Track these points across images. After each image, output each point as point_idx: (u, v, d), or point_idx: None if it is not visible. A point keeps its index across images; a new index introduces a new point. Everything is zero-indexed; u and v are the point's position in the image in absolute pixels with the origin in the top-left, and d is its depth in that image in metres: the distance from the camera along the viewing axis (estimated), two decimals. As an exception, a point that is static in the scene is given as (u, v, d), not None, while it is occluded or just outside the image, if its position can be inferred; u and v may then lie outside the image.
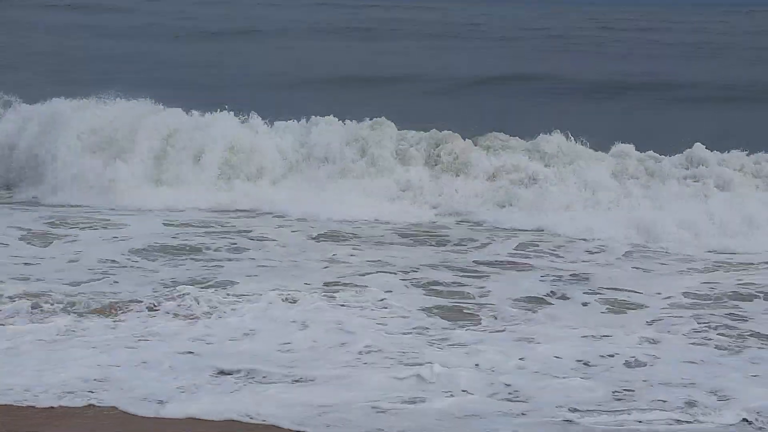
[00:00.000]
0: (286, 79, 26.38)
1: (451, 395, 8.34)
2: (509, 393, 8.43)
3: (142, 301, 10.74)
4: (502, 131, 17.45)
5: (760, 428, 7.85)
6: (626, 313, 10.81)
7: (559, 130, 16.71)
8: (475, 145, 17.08)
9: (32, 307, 10.52)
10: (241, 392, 8.34)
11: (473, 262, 12.88)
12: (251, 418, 7.89)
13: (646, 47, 33.42)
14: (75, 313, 10.43)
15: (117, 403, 8.10)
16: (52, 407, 8.08)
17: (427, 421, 7.90)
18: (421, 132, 17.36)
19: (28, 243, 13.57)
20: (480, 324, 10.35)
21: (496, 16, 43.28)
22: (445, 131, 17.20)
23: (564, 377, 8.76)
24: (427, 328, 10.13)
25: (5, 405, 8.11)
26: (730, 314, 10.73)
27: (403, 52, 32.86)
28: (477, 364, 9.00)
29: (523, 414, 8.04)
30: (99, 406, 8.07)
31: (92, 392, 8.31)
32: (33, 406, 8.10)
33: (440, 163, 16.77)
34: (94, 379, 8.58)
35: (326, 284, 11.57)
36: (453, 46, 35.21)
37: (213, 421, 7.84)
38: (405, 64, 29.79)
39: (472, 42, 35.41)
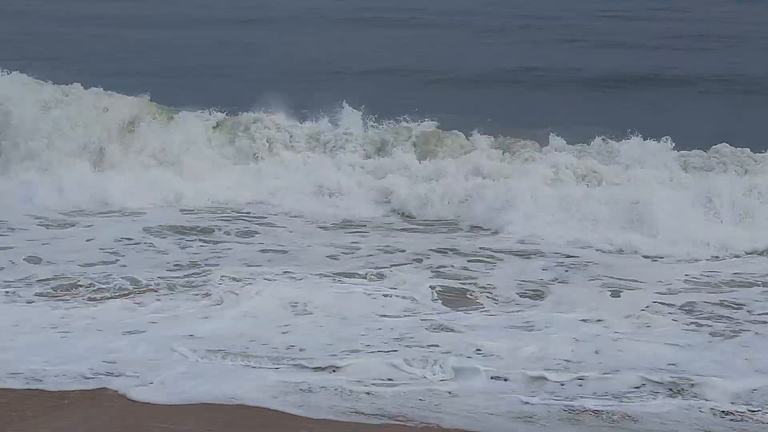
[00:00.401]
0: (305, 70, 26.04)
1: (439, 379, 8.56)
2: (497, 374, 8.61)
3: (150, 284, 10.98)
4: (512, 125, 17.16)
5: (751, 411, 8.01)
6: (624, 298, 10.95)
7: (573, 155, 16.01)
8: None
9: (45, 290, 10.77)
10: (241, 376, 8.49)
11: (480, 248, 12.98)
12: (246, 402, 8.04)
13: (655, 38, 33.07)
14: (85, 295, 10.64)
15: (126, 389, 8.25)
16: (61, 391, 8.20)
17: (402, 401, 8.11)
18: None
19: (46, 227, 13.81)
20: (481, 308, 10.54)
21: (504, 5, 42.99)
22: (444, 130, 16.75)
23: (553, 359, 8.96)
24: (428, 312, 10.33)
25: (15, 389, 8.22)
26: (725, 301, 10.84)
27: (414, 43, 32.73)
28: (472, 346, 9.19)
29: (503, 394, 8.25)
30: (109, 392, 8.19)
31: (101, 377, 8.45)
32: (42, 390, 8.23)
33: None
34: (104, 362, 8.73)
35: (332, 269, 11.73)
36: (459, 36, 34.93)
37: (221, 405, 7.97)
38: (416, 54, 29.68)
39: (487, 33, 35.10)
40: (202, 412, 7.87)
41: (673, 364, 8.85)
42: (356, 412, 7.93)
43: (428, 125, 16.90)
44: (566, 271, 11.98)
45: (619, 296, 10.98)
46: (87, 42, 32.65)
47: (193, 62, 28.38)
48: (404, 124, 16.97)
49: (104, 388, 8.26)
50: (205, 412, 7.87)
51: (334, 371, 8.62)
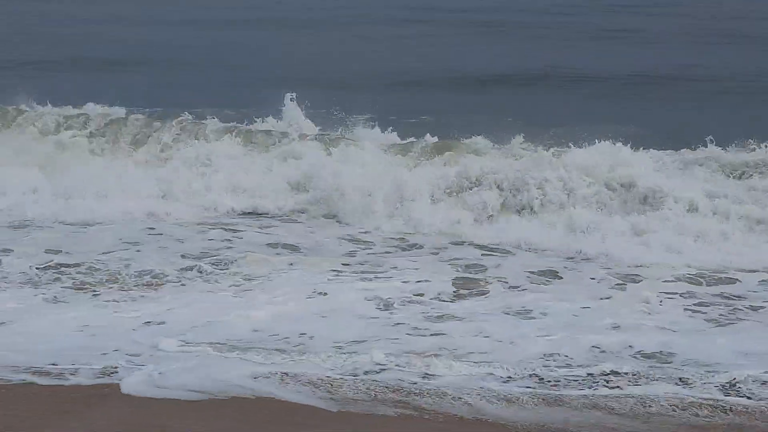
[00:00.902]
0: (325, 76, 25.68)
1: (440, 368, 8.81)
2: (492, 359, 8.95)
3: (168, 276, 11.32)
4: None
5: (744, 396, 8.27)
6: (629, 290, 11.14)
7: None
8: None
9: (65, 283, 11.04)
10: (248, 368, 8.68)
11: (499, 241, 13.09)
12: (261, 394, 8.24)
13: (667, 35, 32.78)
14: (101, 288, 10.88)
15: (136, 384, 8.40)
16: (61, 386, 8.29)
17: (407, 390, 8.35)
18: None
19: (67, 224, 13.90)
20: (488, 296, 10.86)
21: (508, 3, 42.79)
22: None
23: (549, 344, 9.30)
24: (438, 302, 10.64)
25: (19, 384, 8.30)
26: (725, 292, 11.07)
27: (414, 43, 32.62)
28: (474, 335, 9.56)
29: (492, 377, 8.56)
30: (116, 388, 8.31)
31: (112, 372, 8.60)
32: (61, 386, 8.33)
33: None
34: (127, 355, 8.95)
35: (346, 262, 12.01)
36: (453, 34, 34.73)
37: (248, 398, 8.13)
38: (416, 54, 29.57)
39: (491, 31, 34.84)
40: (210, 406, 7.98)
41: (668, 349, 9.18)
42: (353, 401, 8.13)
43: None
44: (577, 262, 12.20)
45: (625, 287, 11.21)
46: (87, 42, 32.78)
47: (191, 62, 28.55)
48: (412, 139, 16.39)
49: (113, 383, 8.36)
50: (217, 406, 7.98)
51: (329, 363, 8.86)
